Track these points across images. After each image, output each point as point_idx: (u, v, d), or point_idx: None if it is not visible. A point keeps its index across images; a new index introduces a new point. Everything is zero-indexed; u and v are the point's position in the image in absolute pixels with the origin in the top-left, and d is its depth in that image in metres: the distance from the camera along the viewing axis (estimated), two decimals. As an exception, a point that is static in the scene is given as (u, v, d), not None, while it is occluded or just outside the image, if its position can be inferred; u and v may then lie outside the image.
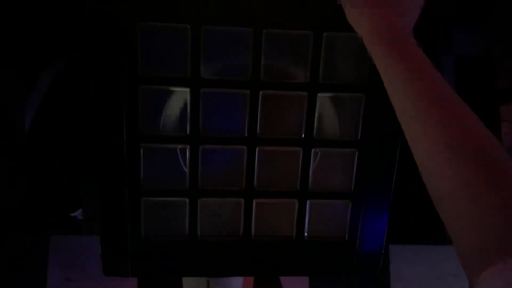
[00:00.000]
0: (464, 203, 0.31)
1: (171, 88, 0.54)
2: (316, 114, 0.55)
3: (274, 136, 0.55)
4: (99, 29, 0.49)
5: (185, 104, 0.54)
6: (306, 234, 0.59)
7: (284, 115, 0.55)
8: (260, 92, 0.53)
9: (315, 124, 0.55)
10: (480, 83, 0.83)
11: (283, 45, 0.53)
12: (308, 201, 0.57)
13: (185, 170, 0.56)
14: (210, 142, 0.55)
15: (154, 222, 0.57)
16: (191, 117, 0.53)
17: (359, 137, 0.56)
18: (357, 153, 0.57)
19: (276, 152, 0.56)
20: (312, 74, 0.53)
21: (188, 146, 0.55)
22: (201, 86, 0.53)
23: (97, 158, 0.54)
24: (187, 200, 0.56)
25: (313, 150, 0.56)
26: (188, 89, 0.53)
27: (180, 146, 0.56)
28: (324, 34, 0.52)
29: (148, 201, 0.56)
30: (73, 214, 0.79)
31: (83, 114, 0.72)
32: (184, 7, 0.50)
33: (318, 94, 0.54)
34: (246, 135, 0.55)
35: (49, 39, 0.69)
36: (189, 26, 0.50)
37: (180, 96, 0.54)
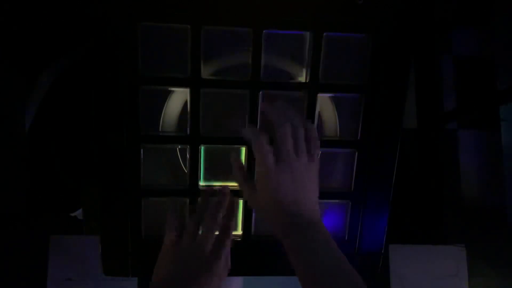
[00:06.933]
0: None
1: (171, 88, 0.54)
2: (316, 114, 0.55)
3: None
4: (100, 29, 0.49)
5: (185, 104, 0.54)
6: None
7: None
8: (260, 92, 0.53)
9: (315, 124, 0.55)
10: (480, 83, 0.83)
11: (283, 45, 0.53)
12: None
13: (185, 170, 0.56)
14: (210, 142, 0.55)
15: (154, 222, 0.57)
16: (191, 117, 0.53)
17: (359, 137, 0.56)
18: (357, 153, 0.57)
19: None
20: (312, 74, 0.54)
21: (188, 146, 0.55)
22: (201, 86, 0.53)
23: (97, 158, 0.54)
24: (187, 200, 0.56)
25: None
26: (188, 89, 0.53)
27: (180, 146, 0.56)
28: (324, 34, 0.52)
29: (148, 201, 0.56)
30: (73, 214, 0.79)
31: (84, 114, 0.72)
32: (184, 7, 0.50)
33: (318, 94, 0.54)
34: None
35: (50, 39, 0.69)
36: (189, 26, 0.50)
37: (180, 96, 0.54)
